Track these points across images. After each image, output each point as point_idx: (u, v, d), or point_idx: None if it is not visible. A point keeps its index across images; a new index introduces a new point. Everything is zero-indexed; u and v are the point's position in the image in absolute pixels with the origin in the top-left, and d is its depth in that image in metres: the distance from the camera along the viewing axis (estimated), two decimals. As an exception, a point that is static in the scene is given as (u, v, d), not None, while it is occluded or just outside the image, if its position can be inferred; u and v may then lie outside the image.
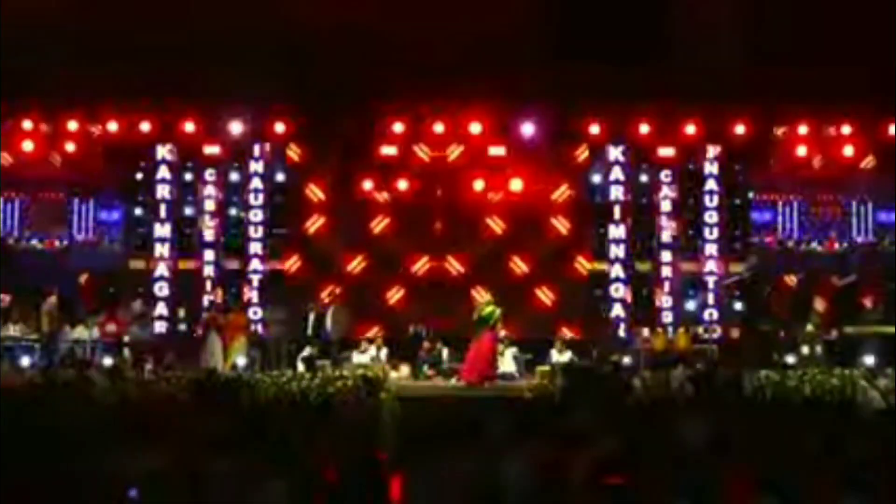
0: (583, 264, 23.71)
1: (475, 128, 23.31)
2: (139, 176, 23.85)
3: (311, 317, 21.70)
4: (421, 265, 23.65)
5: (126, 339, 21.56)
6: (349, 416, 12.43)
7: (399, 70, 21.47)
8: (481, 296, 20.26)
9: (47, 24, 20.60)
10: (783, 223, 24.29)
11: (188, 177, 23.88)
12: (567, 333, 22.28)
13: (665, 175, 23.78)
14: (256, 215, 23.70)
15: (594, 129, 23.37)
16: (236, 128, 23.32)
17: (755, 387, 16.66)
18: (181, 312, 23.47)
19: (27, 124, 23.06)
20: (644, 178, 23.91)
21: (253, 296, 23.48)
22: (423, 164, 23.74)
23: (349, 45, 21.28)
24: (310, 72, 21.58)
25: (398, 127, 23.24)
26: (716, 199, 23.69)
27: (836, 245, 24.11)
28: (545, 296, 23.64)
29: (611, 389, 15.09)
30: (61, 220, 24.12)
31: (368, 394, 12.32)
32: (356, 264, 23.56)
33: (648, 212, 23.90)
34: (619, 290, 23.49)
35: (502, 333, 20.05)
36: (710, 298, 23.60)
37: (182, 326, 23.33)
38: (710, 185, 23.74)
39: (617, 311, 23.45)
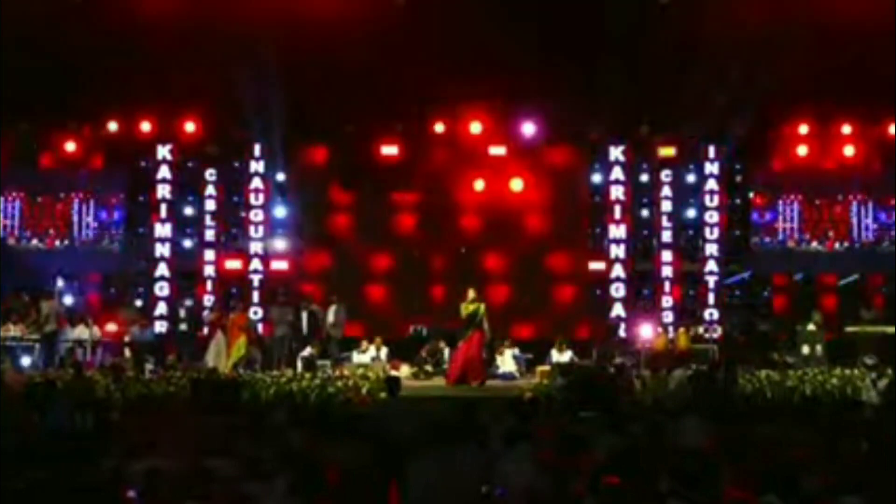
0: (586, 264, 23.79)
1: (475, 128, 23.42)
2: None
3: (305, 315, 21.70)
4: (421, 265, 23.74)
5: (127, 339, 21.55)
6: (355, 417, 12.47)
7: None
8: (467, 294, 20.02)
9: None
10: (783, 223, 24.28)
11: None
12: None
13: (665, 175, 23.79)
14: (257, 215, 23.72)
15: (596, 129, 23.47)
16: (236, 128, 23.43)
17: (755, 387, 16.70)
18: (181, 312, 23.49)
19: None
20: (644, 177, 23.94)
21: (254, 295, 23.50)
22: (424, 164, 23.79)
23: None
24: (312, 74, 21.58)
25: (398, 127, 23.40)
26: (716, 199, 23.68)
27: (836, 245, 24.10)
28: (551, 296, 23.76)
29: (611, 390, 15.08)
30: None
31: (389, 392, 12.25)
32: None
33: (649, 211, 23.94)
34: (619, 290, 23.48)
35: (486, 326, 19.80)
36: (711, 298, 23.59)
37: (183, 326, 23.32)
38: (711, 184, 23.74)
39: (617, 311, 23.44)
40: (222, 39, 20.64)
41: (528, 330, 23.05)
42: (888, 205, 24.04)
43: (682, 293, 23.79)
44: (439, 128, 23.57)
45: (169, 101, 22.83)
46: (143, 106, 23.22)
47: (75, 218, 24.20)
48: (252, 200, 23.76)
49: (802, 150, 23.78)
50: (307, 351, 20.91)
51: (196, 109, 23.32)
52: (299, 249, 23.97)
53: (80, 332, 21.39)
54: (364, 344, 21.60)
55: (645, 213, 23.96)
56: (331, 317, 21.66)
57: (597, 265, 23.73)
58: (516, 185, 23.70)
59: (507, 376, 20.67)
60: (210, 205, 23.86)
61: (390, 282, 23.82)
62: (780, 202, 24.30)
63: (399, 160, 23.68)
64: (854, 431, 9.47)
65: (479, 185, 23.71)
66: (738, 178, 24.16)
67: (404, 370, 20.62)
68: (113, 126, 23.61)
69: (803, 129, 23.63)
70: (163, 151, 23.68)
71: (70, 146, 23.85)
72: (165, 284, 23.60)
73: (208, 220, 23.83)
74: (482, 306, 19.50)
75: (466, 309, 19.43)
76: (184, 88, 21.80)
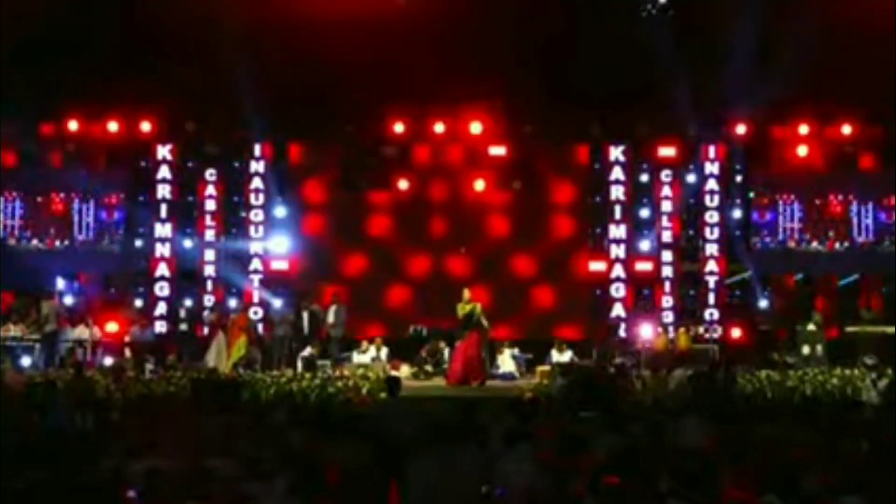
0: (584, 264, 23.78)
1: (475, 128, 23.44)
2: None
3: (305, 315, 21.69)
4: (422, 265, 23.75)
5: (127, 339, 21.56)
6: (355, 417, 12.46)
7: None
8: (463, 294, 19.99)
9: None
10: (783, 223, 24.27)
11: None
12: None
13: (665, 175, 23.78)
14: (257, 215, 23.72)
15: (595, 129, 23.50)
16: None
17: (755, 387, 16.71)
18: (181, 312, 23.48)
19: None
20: (644, 177, 23.93)
21: (254, 295, 23.50)
22: (425, 163, 23.81)
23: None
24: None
25: (399, 127, 23.39)
26: (716, 199, 23.68)
27: (836, 245, 24.08)
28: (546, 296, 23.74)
29: (611, 390, 15.08)
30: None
31: (389, 392, 12.25)
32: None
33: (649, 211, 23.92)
34: (619, 290, 23.48)
35: (486, 324, 19.81)
36: (711, 298, 23.59)
37: (183, 326, 23.31)
38: (711, 184, 23.74)
39: (617, 311, 23.43)
40: (223, 39, 20.65)
41: (524, 330, 23.02)
42: (888, 205, 24.03)
43: (682, 293, 23.79)
44: (439, 128, 23.57)
45: (169, 101, 22.83)
46: (143, 106, 23.21)
47: (75, 218, 24.18)
48: (252, 200, 23.76)
49: (802, 151, 23.77)
50: (307, 351, 20.92)
51: (196, 109, 23.31)
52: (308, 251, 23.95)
53: (80, 332, 21.40)
54: (364, 344, 21.63)
55: (645, 213, 23.95)
56: (331, 317, 21.66)
57: (597, 265, 23.72)
58: (516, 185, 23.71)
59: (507, 376, 20.67)
60: (210, 205, 23.86)
61: (391, 282, 23.84)
62: (780, 202, 24.29)
63: (399, 160, 23.69)
64: (854, 431, 9.47)
65: (480, 185, 23.72)
66: (738, 178, 24.13)
67: (404, 370, 20.63)
68: (113, 126, 23.61)
69: (803, 129, 23.61)
70: (163, 151, 23.68)
71: (71, 146, 23.84)
72: (165, 284, 23.59)
73: (208, 220, 23.82)
74: (478, 306, 19.50)
75: (463, 309, 19.44)
76: (184, 88, 21.77)
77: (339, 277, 23.44)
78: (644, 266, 23.69)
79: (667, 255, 23.77)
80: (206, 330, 22.46)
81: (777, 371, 18.97)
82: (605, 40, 20.85)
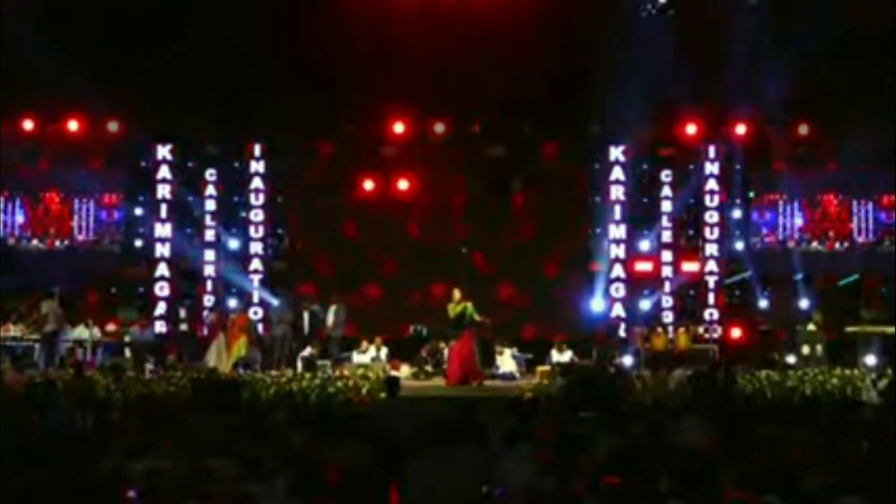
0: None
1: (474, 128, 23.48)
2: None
3: (306, 315, 21.70)
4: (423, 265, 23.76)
5: (127, 339, 21.56)
6: (355, 417, 12.46)
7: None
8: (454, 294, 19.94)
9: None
10: (783, 223, 24.27)
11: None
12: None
13: (665, 175, 23.79)
14: (257, 215, 23.72)
15: (595, 129, 23.51)
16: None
17: (755, 387, 16.71)
18: (181, 312, 23.49)
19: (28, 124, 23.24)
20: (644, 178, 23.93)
21: (254, 295, 23.50)
22: (424, 163, 23.82)
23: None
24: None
25: (399, 127, 23.39)
26: (716, 199, 23.68)
27: (836, 245, 24.08)
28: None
29: (611, 389, 15.09)
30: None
31: (389, 392, 12.26)
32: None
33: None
34: (619, 290, 23.46)
35: (478, 319, 19.77)
36: (711, 298, 23.58)
37: (183, 326, 23.31)
38: (711, 184, 23.74)
39: (617, 311, 23.42)
40: (223, 40, 20.66)
41: (529, 331, 23.04)
42: (888, 205, 24.04)
43: (682, 293, 23.78)
44: (439, 128, 23.54)
45: (169, 101, 22.82)
46: (142, 106, 23.20)
47: (75, 218, 24.19)
48: (252, 200, 23.76)
49: (802, 150, 23.78)
50: (307, 351, 20.93)
51: (196, 109, 23.30)
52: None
53: (80, 332, 21.40)
54: (364, 344, 21.62)
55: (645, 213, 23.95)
56: (331, 317, 21.65)
57: (597, 265, 23.72)
58: (515, 185, 23.71)
59: (507, 376, 20.67)
60: (210, 205, 23.86)
61: (390, 282, 23.85)
62: (780, 202, 24.30)
63: (399, 160, 23.70)
64: (854, 431, 9.46)
65: (478, 185, 23.73)
66: (738, 178, 24.14)
67: (404, 370, 20.64)
68: (113, 126, 23.60)
69: (803, 129, 23.61)
70: (163, 151, 23.66)
71: (70, 146, 23.84)
72: (165, 284, 23.57)
73: (208, 220, 23.82)
74: (469, 306, 19.47)
75: (454, 310, 19.40)
76: (184, 89, 21.78)
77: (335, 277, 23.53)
78: (644, 266, 23.71)
79: (667, 255, 23.78)
80: (206, 330, 22.46)
81: (777, 371, 18.97)
82: (605, 40, 20.84)
